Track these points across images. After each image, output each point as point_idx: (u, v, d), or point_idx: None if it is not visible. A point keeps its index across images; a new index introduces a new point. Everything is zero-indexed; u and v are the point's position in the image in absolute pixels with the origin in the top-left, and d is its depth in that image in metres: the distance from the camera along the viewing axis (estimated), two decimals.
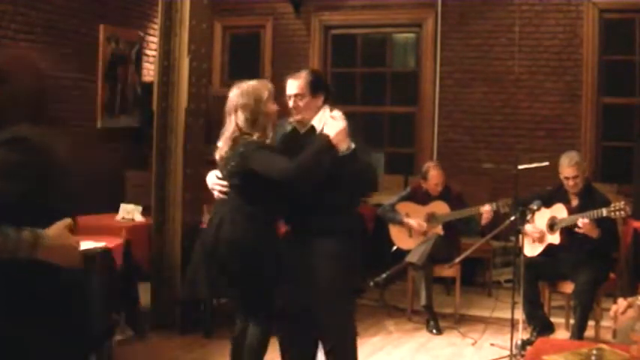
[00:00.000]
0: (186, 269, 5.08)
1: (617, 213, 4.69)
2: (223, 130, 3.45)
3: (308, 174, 3.23)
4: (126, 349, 4.71)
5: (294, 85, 3.47)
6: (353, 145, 3.29)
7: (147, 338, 4.88)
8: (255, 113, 3.37)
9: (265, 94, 3.44)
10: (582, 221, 4.73)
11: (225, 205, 3.41)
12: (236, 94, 3.45)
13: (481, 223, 5.59)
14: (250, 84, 3.51)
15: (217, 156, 3.44)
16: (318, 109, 3.46)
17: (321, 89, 3.49)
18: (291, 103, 3.46)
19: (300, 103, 3.43)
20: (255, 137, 3.34)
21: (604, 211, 4.71)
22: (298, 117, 3.45)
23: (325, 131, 3.27)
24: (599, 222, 4.75)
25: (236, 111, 3.39)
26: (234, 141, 3.35)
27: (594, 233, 4.76)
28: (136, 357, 4.69)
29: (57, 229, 1.96)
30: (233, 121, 3.39)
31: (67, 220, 1.98)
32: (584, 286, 4.79)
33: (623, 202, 4.71)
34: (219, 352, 4.78)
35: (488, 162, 7.27)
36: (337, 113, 3.33)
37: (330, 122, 3.28)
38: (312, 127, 3.44)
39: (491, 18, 7.42)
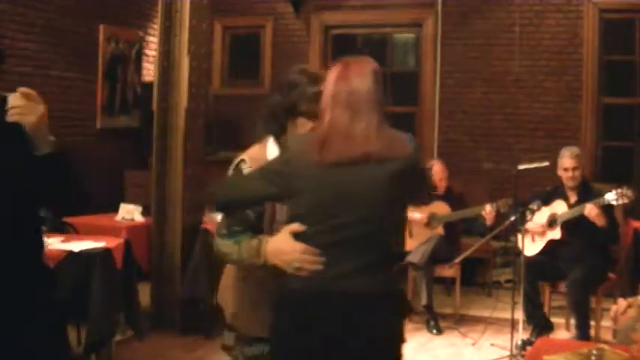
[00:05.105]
0: (186, 269, 5.11)
1: (621, 199, 4.67)
2: None
3: None
4: (126, 349, 4.71)
5: None
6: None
7: (147, 338, 4.88)
8: None
9: None
10: (589, 207, 4.72)
11: None
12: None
13: (486, 224, 5.58)
14: None
15: None
16: None
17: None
18: None
19: None
20: None
21: (606, 198, 4.71)
22: None
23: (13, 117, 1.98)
24: (601, 210, 4.75)
25: None
26: None
27: (601, 221, 4.75)
28: (136, 357, 4.69)
29: (283, 234, 2.08)
30: None
31: (294, 225, 2.07)
32: (574, 284, 4.80)
33: (625, 187, 4.70)
34: (219, 352, 4.77)
35: (488, 162, 7.27)
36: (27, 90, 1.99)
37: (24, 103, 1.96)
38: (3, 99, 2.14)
39: (491, 18, 7.42)
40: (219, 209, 2.29)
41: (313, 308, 2.04)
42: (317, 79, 2.26)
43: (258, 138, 2.35)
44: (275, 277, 2.15)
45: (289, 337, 2.08)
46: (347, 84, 2.12)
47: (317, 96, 2.21)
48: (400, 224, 2.14)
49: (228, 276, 2.42)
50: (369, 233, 2.04)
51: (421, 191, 2.27)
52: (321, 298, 2.03)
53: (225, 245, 2.19)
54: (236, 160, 2.33)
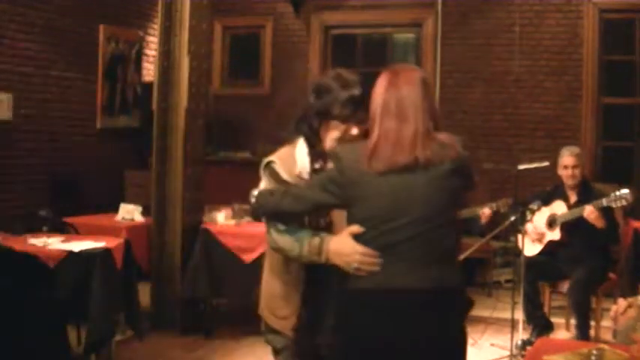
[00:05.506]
0: (186, 269, 5.11)
1: (619, 201, 4.66)
2: None
3: None
4: (126, 349, 4.71)
5: None
6: None
7: (147, 338, 4.88)
8: None
9: None
10: (589, 209, 4.71)
11: None
12: None
13: (480, 222, 5.59)
14: None
15: None
16: None
17: None
18: None
19: None
20: None
21: (604, 201, 4.70)
22: None
23: None
24: (600, 212, 4.75)
25: None
26: None
27: (600, 223, 4.74)
28: (136, 357, 4.69)
29: (343, 235, 2.17)
30: None
31: (353, 227, 2.14)
32: (577, 285, 4.79)
33: (624, 190, 4.68)
34: (219, 352, 4.78)
35: (488, 162, 7.27)
36: None
37: None
38: None
39: (491, 18, 7.42)
40: (272, 217, 2.32)
41: (369, 306, 2.11)
42: (350, 84, 2.36)
43: (288, 139, 2.42)
44: (306, 272, 2.28)
45: (349, 334, 2.15)
46: (397, 92, 2.17)
47: (349, 100, 2.31)
48: (454, 224, 2.21)
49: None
50: (422, 235, 2.11)
51: (469, 192, 2.33)
52: (376, 296, 2.11)
53: (284, 241, 2.26)
54: (265, 161, 2.38)
